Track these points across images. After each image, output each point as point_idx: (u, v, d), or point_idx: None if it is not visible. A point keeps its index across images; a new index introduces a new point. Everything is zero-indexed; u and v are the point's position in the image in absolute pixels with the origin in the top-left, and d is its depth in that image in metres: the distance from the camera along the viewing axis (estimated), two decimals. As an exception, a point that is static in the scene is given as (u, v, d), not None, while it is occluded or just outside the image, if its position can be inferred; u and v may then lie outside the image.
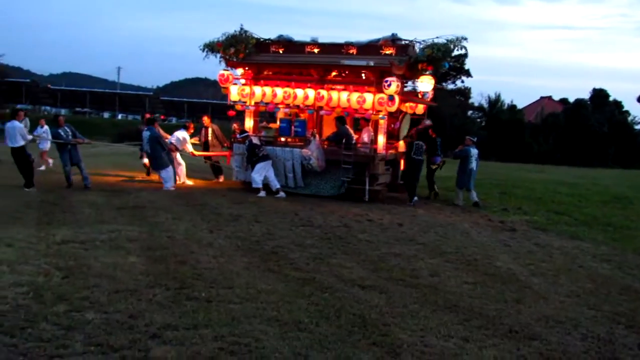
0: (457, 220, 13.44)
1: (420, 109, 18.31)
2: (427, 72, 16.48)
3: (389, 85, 15.13)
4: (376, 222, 12.47)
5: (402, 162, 17.89)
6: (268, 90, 16.55)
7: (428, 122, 17.36)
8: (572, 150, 66.32)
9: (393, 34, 16.21)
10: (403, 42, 16.22)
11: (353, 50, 16.20)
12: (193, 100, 77.29)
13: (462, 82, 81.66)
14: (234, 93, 17.07)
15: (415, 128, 17.07)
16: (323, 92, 16.01)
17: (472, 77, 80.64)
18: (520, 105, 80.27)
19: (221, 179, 18.70)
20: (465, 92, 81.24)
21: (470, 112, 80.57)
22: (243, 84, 17.09)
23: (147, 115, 19.23)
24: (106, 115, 78.68)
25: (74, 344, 5.04)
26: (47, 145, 19.34)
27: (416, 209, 14.83)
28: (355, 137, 16.36)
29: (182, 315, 5.94)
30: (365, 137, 16.38)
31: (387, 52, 15.94)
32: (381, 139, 16.24)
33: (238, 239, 9.95)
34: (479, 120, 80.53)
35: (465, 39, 15.71)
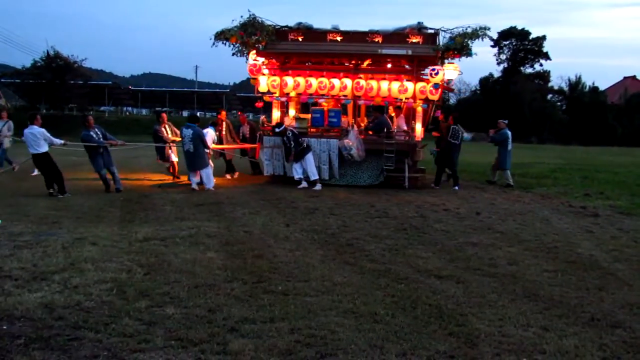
0: (537, 207, 13.19)
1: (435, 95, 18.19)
2: (454, 61, 16.52)
3: (437, 74, 15.45)
4: (453, 212, 12.35)
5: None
6: (301, 80, 16.30)
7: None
8: (660, 130, 63.89)
9: (419, 23, 16.45)
10: (429, 31, 16.33)
11: (378, 39, 16.19)
12: (268, 95, 78.00)
13: (541, 65, 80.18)
14: (263, 84, 16.68)
15: (452, 114, 17.49)
16: (362, 82, 15.96)
17: (551, 60, 79.20)
18: (602, 86, 78.29)
19: (233, 176, 18.15)
20: (545, 76, 79.62)
21: (550, 96, 78.88)
22: (269, 74, 16.75)
23: (164, 115, 17.96)
24: (185, 113, 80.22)
25: (155, 339, 5.17)
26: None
27: (495, 196, 14.65)
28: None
29: (259, 308, 6.01)
30: (404, 126, 16.60)
31: (414, 40, 16.04)
32: (419, 127, 16.45)
33: (314, 232, 10.03)
34: (559, 103, 78.74)
35: (489, 28, 15.88)
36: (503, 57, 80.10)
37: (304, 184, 15.61)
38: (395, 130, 16.50)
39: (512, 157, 17.97)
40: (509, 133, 17.63)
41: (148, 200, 13.35)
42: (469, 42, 15.71)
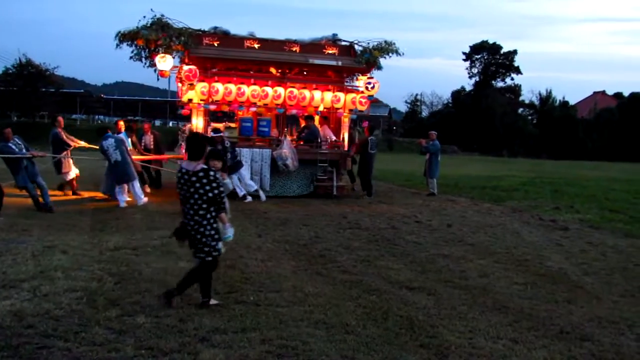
0: (508, 220, 13.31)
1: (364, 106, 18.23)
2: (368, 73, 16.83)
3: (372, 87, 15.89)
4: (424, 224, 12.42)
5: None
6: (232, 87, 15.40)
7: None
8: (628, 145, 65.01)
9: (334, 34, 16.83)
10: (343, 43, 16.74)
11: (296, 48, 16.26)
12: (241, 105, 77.77)
13: (512, 79, 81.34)
14: (192, 90, 15.35)
15: (369, 125, 18.49)
16: (295, 91, 15.86)
17: (522, 74, 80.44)
18: (572, 101, 79.56)
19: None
20: (516, 90, 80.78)
21: (520, 110, 79.98)
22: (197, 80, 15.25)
23: (60, 119, 15.64)
24: (157, 122, 79.71)
25: (125, 348, 5.13)
26: None
27: (465, 209, 14.75)
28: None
29: (231, 319, 6.00)
30: (332, 136, 16.83)
31: (330, 51, 16.32)
32: (346, 137, 16.90)
33: (286, 242, 10.03)
34: (529, 117, 79.81)
35: (394, 44, 16.46)
36: (475, 70, 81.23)
37: (249, 199, 14.98)
38: (327, 140, 16.67)
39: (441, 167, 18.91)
40: (438, 144, 18.37)
41: (119, 209, 13.23)
42: (385, 56, 16.28)
